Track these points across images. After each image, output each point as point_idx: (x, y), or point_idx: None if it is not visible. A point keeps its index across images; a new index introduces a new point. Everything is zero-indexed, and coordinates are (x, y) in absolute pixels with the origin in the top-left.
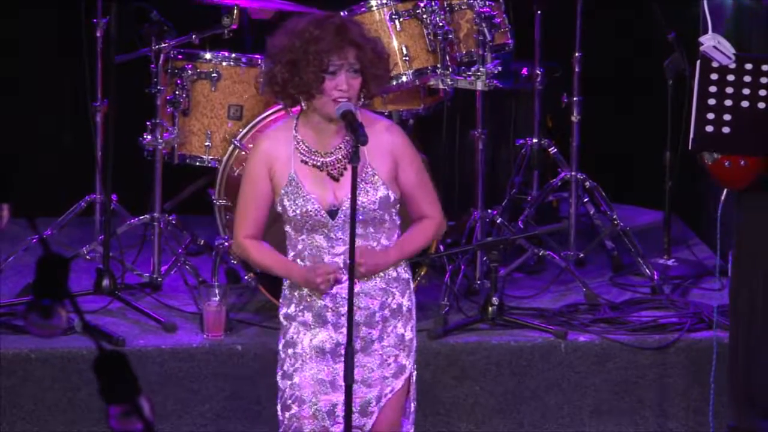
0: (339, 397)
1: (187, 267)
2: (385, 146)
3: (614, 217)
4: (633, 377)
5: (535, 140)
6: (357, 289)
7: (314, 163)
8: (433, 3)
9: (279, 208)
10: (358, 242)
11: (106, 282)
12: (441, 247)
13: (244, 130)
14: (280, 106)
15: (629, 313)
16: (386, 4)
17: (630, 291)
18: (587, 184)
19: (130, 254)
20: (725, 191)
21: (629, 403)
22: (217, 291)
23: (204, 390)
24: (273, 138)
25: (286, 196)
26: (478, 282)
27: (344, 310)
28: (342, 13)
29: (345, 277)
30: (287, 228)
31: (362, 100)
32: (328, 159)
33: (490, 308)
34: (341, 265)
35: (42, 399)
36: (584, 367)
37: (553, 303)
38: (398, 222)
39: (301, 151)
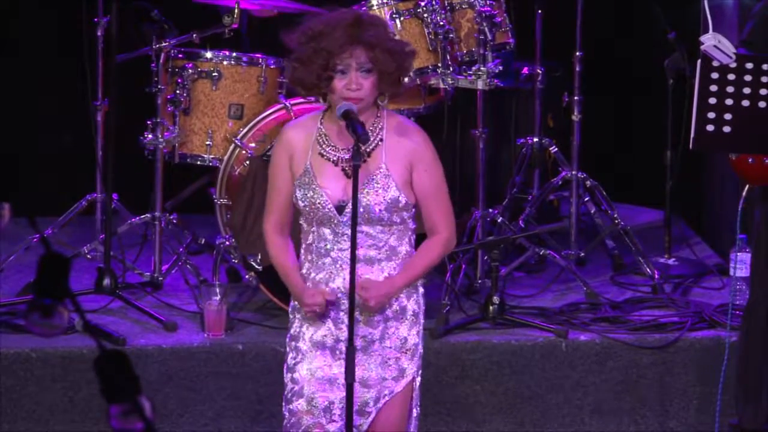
0: (336, 395)
1: (188, 266)
2: (406, 148)
3: (615, 216)
4: (634, 376)
5: (535, 139)
6: (357, 287)
7: (331, 157)
8: (433, 2)
9: (293, 199)
10: (366, 242)
11: (106, 281)
12: None
13: (245, 129)
14: (281, 106)
15: (630, 312)
16: (387, 3)
17: (631, 290)
18: (588, 183)
19: (131, 253)
20: (747, 187)
21: (630, 402)
22: (217, 290)
23: (204, 389)
24: (297, 128)
25: (299, 186)
26: (479, 281)
27: (345, 305)
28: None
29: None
30: (301, 221)
31: (381, 101)
32: (344, 155)
33: (490, 307)
34: (341, 292)
35: (42, 398)
36: (585, 366)
37: (553, 302)
38: (412, 226)
39: (321, 143)
